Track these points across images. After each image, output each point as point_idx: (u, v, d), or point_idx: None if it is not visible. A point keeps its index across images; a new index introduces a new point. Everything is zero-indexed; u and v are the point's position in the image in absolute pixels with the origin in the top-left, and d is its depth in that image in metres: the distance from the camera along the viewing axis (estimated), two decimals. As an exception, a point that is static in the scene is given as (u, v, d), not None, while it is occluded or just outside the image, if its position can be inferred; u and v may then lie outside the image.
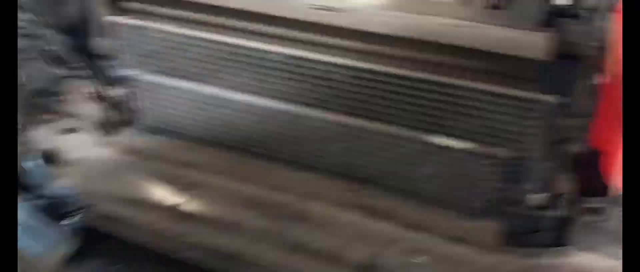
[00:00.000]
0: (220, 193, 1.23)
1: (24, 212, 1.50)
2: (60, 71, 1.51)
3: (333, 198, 1.16)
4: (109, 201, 1.32)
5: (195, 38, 1.16)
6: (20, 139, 1.49)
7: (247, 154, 1.25)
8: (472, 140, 1.01)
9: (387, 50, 1.00)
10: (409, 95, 1.01)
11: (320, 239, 1.13)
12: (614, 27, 0.89)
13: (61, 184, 1.40)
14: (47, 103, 1.51)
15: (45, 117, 1.49)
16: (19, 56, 1.55)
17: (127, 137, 1.35)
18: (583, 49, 0.89)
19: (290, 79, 1.09)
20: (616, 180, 1.00)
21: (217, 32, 1.13)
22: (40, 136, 1.45)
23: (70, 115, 1.46)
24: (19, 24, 1.51)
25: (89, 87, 1.43)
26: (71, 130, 1.45)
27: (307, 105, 1.11)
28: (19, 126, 1.51)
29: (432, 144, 1.03)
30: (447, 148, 1.02)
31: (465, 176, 1.04)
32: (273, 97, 1.14)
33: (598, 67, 0.92)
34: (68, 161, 1.40)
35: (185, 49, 1.19)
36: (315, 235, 1.14)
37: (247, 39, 1.10)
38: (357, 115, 1.07)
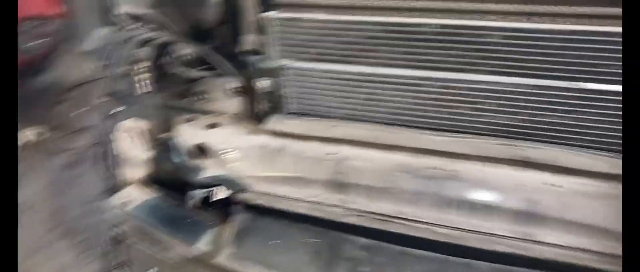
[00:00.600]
0: (372, 163, 1.34)
1: (179, 208, 1.64)
2: (197, 73, 1.67)
3: (485, 155, 1.24)
4: (265, 181, 1.44)
5: (346, 22, 1.29)
6: (168, 138, 1.64)
7: (395, 125, 1.35)
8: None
9: (535, 8, 1.10)
10: (560, 47, 1.11)
11: (474, 194, 1.22)
12: None
13: (214, 172, 1.53)
14: (189, 103, 1.66)
15: (189, 116, 1.64)
16: (149, 66, 1.72)
17: (276, 122, 1.47)
18: None
19: (442, 47, 1.21)
20: None
21: (367, 14, 1.26)
22: (187, 133, 1.59)
23: (215, 111, 1.60)
24: (142, 36, 1.69)
25: (231, 83, 1.57)
26: (216, 125, 1.59)
27: (459, 70, 1.22)
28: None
29: (584, 90, 1.13)
30: (599, 93, 1.11)
31: (615, 119, 1.12)
32: (424, 67, 1.25)
33: None
34: (218, 152, 1.53)
35: (336, 34, 1.32)
36: (469, 190, 1.23)
37: (398, 15, 1.23)
38: (509, 74, 1.17)
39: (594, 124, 1.16)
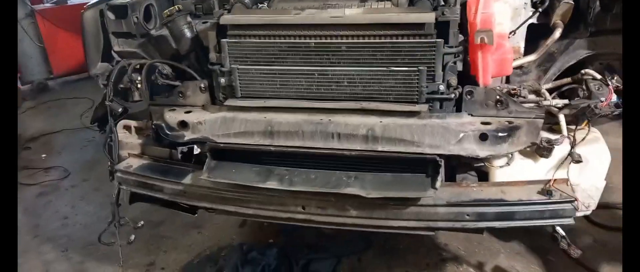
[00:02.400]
0: (287, 119, 2.35)
1: (167, 165, 2.57)
2: (176, 81, 2.66)
3: (345, 108, 2.30)
4: (225, 137, 2.41)
5: (267, 42, 2.34)
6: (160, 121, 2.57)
7: (299, 99, 2.39)
8: (409, 65, 2.20)
9: (365, 31, 2.21)
10: (376, 50, 2.21)
11: (343, 128, 2.26)
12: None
13: (192, 136, 2.48)
14: (173, 100, 2.62)
15: (173, 106, 2.60)
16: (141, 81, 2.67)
17: (230, 102, 2.46)
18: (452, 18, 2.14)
19: (321, 53, 2.28)
20: (479, 78, 2.20)
21: (279, 37, 2.32)
22: (172, 116, 2.54)
23: (191, 104, 2.58)
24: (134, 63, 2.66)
25: (200, 83, 2.56)
26: (191, 111, 2.55)
27: (330, 64, 2.29)
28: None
29: (392, 71, 2.22)
30: (398, 72, 2.21)
31: (408, 84, 2.22)
32: (313, 64, 2.31)
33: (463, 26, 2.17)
34: (194, 124, 2.48)
35: (262, 48, 2.36)
36: (340, 128, 2.27)
37: (298, 37, 2.30)
38: (355, 64, 2.26)
39: (397, 88, 2.25)
